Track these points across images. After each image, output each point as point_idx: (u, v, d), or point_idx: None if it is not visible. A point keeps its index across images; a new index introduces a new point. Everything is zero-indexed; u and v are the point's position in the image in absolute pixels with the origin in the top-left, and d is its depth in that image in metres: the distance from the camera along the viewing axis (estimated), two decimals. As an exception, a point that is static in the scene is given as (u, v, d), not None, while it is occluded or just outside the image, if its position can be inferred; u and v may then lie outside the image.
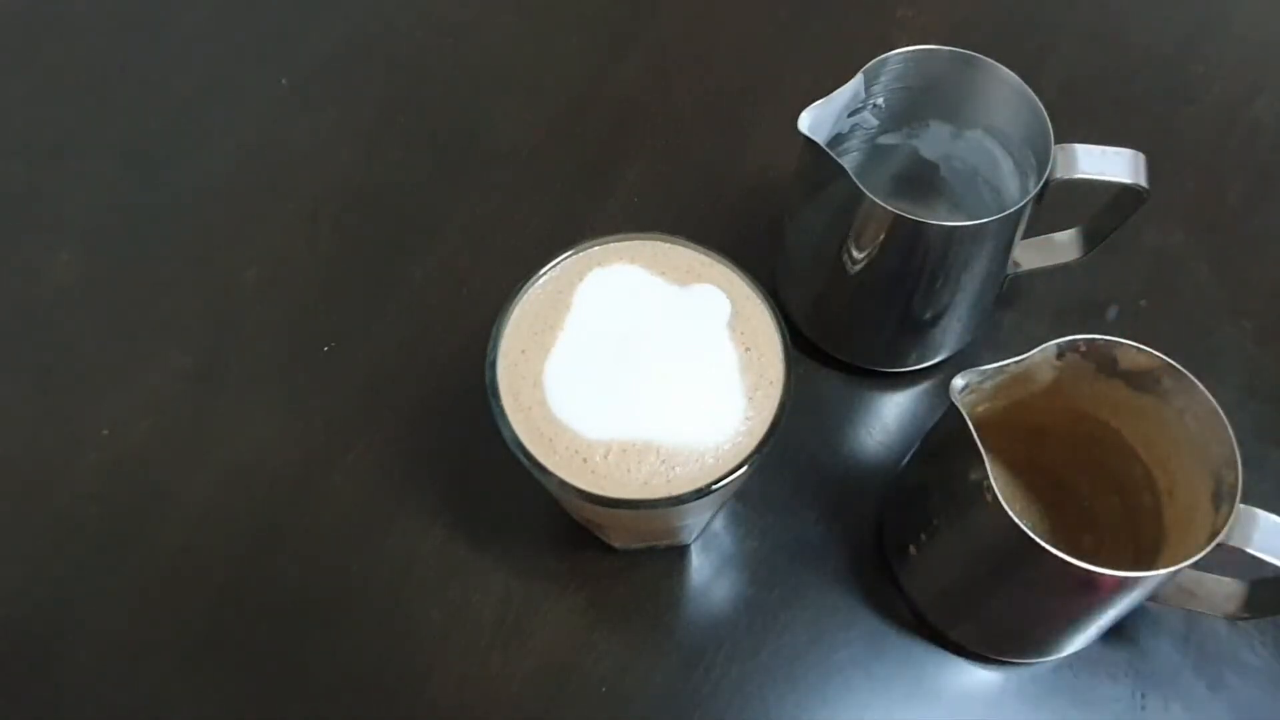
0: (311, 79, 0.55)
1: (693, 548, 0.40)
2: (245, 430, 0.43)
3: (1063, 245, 0.43)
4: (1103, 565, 0.29)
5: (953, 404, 0.31)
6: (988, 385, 0.34)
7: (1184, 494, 0.34)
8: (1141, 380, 0.33)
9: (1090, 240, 0.42)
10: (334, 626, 0.39)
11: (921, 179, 0.45)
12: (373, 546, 0.40)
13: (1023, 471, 0.40)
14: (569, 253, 0.34)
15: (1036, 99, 0.37)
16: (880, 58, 0.38)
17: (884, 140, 0.43)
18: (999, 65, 0.38)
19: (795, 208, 0.41)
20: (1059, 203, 0.37)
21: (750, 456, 0.30)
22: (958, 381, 0.32)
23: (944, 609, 0.38)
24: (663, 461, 0.30)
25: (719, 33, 0.55)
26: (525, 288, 0.33)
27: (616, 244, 0.34)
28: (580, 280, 0.34)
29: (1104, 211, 0.40)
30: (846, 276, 0.39)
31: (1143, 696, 0.37)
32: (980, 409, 0.35)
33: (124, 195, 0.50)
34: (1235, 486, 0.30)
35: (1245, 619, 0.34)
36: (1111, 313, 0.46)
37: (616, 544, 0.40)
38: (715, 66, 0.54)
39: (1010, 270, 0.42)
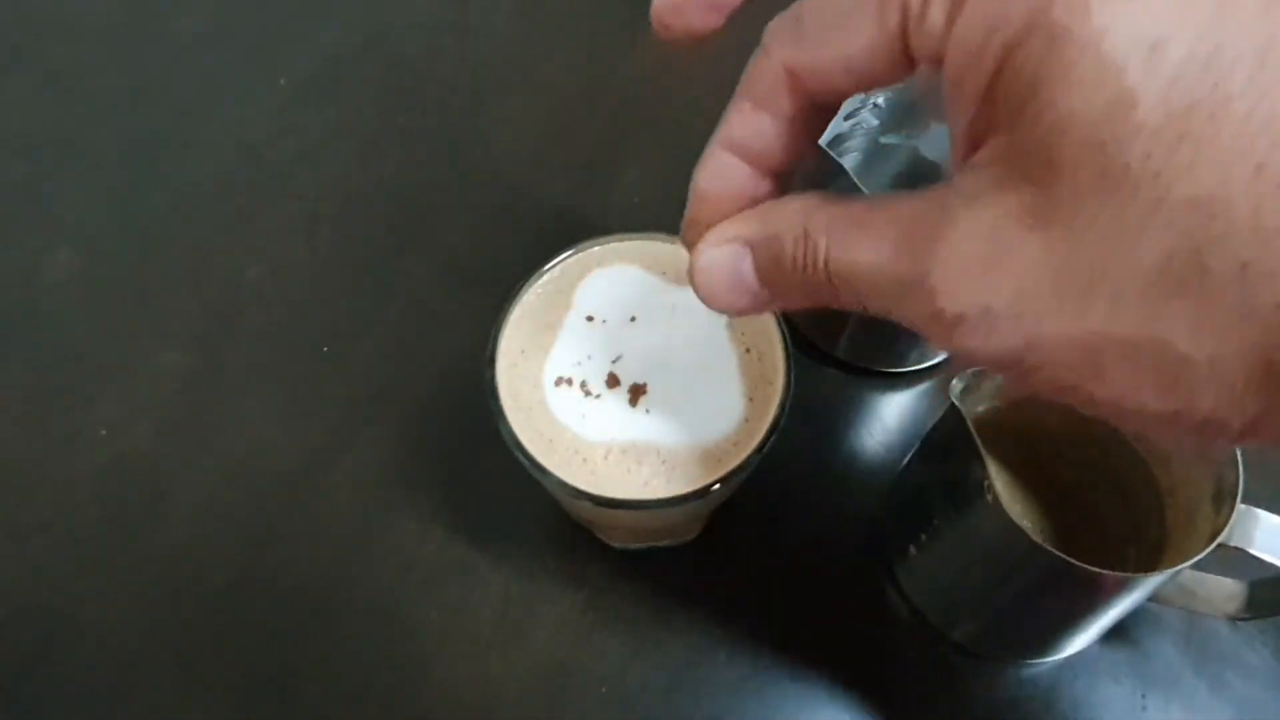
0: (311, 79, 0.55)
1: (693, 548, 0.40)
2: (245, 430, 0.43)
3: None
4: (1103, 565, 0.29)
5: (953, 404, 0.31)
6: (988, 385, 0.34)
7: (1185, 494, 0.33)
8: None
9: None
10: (334, 626, 0.39)
11: (922, 179, 0.45)
12: (373, 546, 0.40)
13: (1023, 472, 0.40)
14: (569, 253, 0.34)
15: (1037, 99, 0.37)
16: (880, 57, 0.38)
17: (884, 140, 0.43)
18: (999, 65, 0.38)
19: (795, 208, 0.41)
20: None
21: (750, 456, 0.30)
22: (957, 382, 0.32)
23: (944, 609, 0.38)
24: (663, 461, 0.30)
25: (718, 32, 0.55)
26: (525, 288, 0.33)
27: (616, 244, 0.34)
28: (580, 280, 0.34)
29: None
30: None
31: (1143, 697, 0.37)
32: (981, 409, 0.35)
33: (124, 195, 0.50)
34: (1236, 486, 0.30)
35: (1246, 619, 0.34)
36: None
37: (616, 544, 0.40)
38: (715, 66, 0.54)
39: (1010, 270, 0.42)
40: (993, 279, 0.17)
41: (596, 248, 0.34)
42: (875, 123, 0.42)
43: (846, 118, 0.40)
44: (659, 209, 0.50)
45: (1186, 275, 0.15)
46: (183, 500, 0.41)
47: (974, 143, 0.18)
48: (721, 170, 0.23)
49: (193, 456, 0.42)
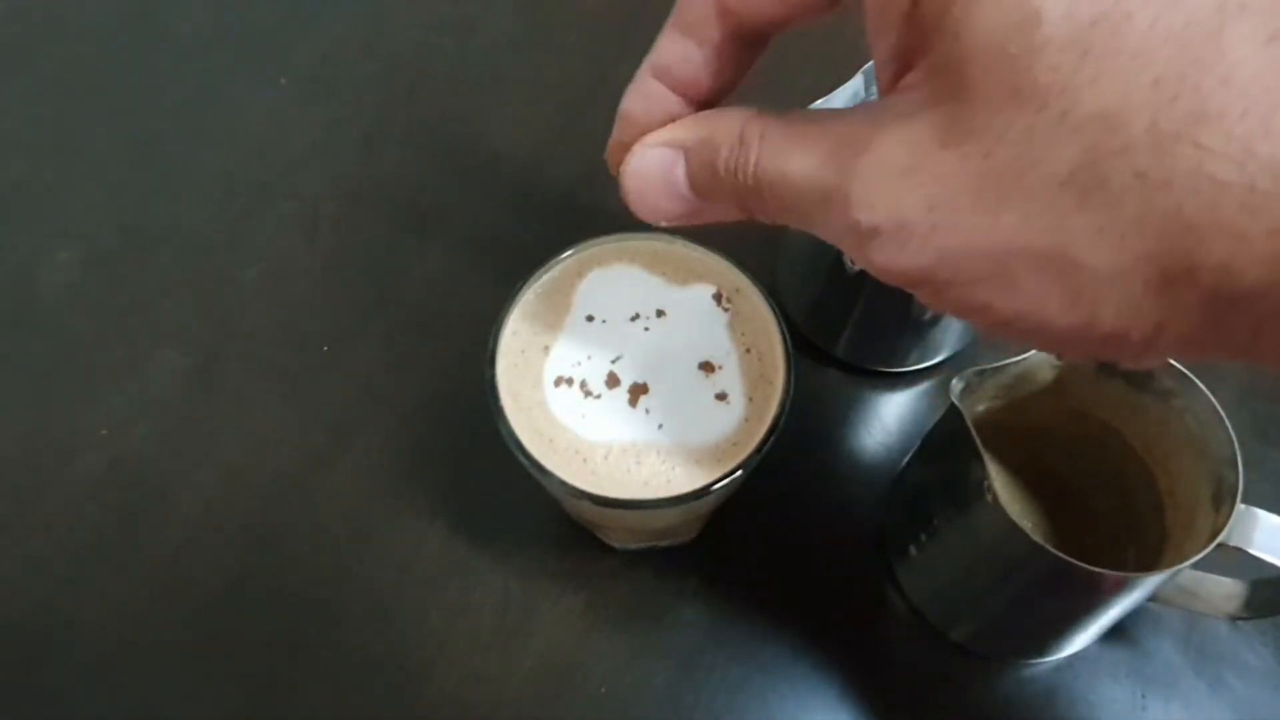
0: (311, 79, 0.55)
1: (693, 548, 0.40)
2: (245, 430, 0.43)
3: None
4: (1103, 566, 0.29)
5: (953, 404, 0.31)
6: (988, 385, 0.34)
7: (1185, 494, 0.33)
8: (1142, 380, 0.33)
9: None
10: (334, 626, 0.39)
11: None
12: (373, 546, 0.40)
13: (1023, 472, 0.40)
14: (569, 253, 0.34)
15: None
16: (880, 58, 0.38)
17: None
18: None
19: (795, 208, 0.41)
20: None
21: (750, 457, 0.30)
22: (958, 382, 0.32)
23: (944, 609, 0.38)
24: (663, 461, 0.30)
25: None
26: (525, 287, 0.33)
27: (616, 244, 0.34)
28: (580, 280, 0.34)
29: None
30: (846, 276, 0.39)
31: (1143, 697, 0.37)
32: (980, 409, 0.35)
33: (124, 195, 0.50)
34: (1235, 486, 0.30)
35: (1246, 619, 0.34)
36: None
37: (616, 544, 0.40)
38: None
39: (1010, 270, 0.42)
40: (908, 192, 0.18)
41: (596, 248, 0.34)
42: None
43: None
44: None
45: (1089, 187, 0.16)
46: (183, 500, 0.41)
47: (899, 68, 0.19)
48: (649, 96, 0.23)
49: (193, 456, 0.42)
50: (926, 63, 0.18)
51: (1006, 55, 0.16)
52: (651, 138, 0.23)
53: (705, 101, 0.23)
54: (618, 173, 0.24)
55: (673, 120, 0.23)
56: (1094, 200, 0.16)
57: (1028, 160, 0.16)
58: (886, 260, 0.19)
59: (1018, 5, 0.16)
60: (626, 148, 0.24)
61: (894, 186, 0.18)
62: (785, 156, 0.20)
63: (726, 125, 0.22)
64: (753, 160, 0.21)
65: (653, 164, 0.23)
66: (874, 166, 0.18)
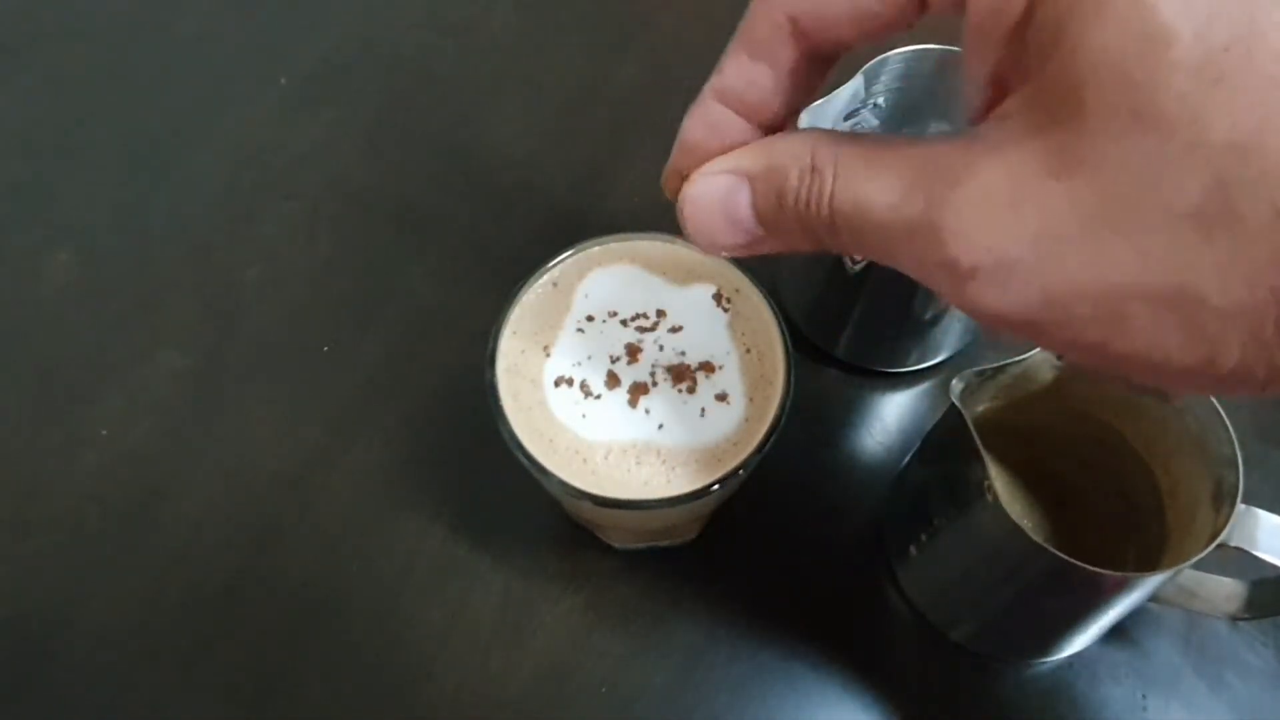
0: (311, 79, 0.55)
1: (693, 548, 0.40)
2: (245, 430, 0.43)
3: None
4: (1104, 566, 0.29)
5: (953, 404, 0.31)
6: (988, 386, 0.34)
7: (1185, 494, 0.33)
8: (1142, 380, 0.33)
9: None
10: (334, 627, 0.39)
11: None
12: (373, 546, 0.40)
13: (1023, 472, 0.40)
14: (569, 253, 0.34)
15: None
16: (880, 58, 0.38)
17: (884, 140, 0.43)
18: (999, 65, 0.38)
19: (795, 208, 0.41)
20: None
21: (750, 457, 0.30)
22: (958, 382, 0.32)
23: (944, 609, 0.38)
24: (663, 461, 0.30)
25: (719, 32, 0.55)
26: (525, 288, 0.33)
27: (616, 244, 0.34)
28: (580, 280, 0.34)
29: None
30: (846, 276, 0.39)
31: (1144, 697, 0.37)
32: (981, 409, 0.35)
33: (124, 195, 0.50)
34: (1236, 486, 0.30)
35: (1246, 619, 0.34)
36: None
37: (616, 544, 0.40)
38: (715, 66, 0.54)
39: (1011, 270, 0.42)
40: (1012, 227, 0.17)
41: (596, 248, 0.34)
42: (875, 123, 0.42)
43: (847, 118, 0.40)
44: (659, 209, 0.49)
45: (1218, 221, 0.15)
46: (183, 500, 0.41)
47: (998, 92, 0.18)
48: (712, 121, 0.22)
49: (193, 456, 0.42)
50: (1034, 87, 0.16)
51: (1130, 79, 0.15)
52: (714, 164, 0.22)
53: (772, 125, 0.22)
54: (674, 199, 0.23)
55: (735, 147, 0.22)
56: (1223, 233, 0.15)
57: (1149, 193, 0.15)
58: (987, 302, 0.17)
59: (1144, 25, 0.15)
60: (684, 175, 0.23)
61: (995, 221, 0.17)
62: (863, 185, 0.19)
63: (796, 151, 0.20)
64: (828, 190, 0.19)
65: (714, 192, 0.22)
66: (972, 198, 0.17)
